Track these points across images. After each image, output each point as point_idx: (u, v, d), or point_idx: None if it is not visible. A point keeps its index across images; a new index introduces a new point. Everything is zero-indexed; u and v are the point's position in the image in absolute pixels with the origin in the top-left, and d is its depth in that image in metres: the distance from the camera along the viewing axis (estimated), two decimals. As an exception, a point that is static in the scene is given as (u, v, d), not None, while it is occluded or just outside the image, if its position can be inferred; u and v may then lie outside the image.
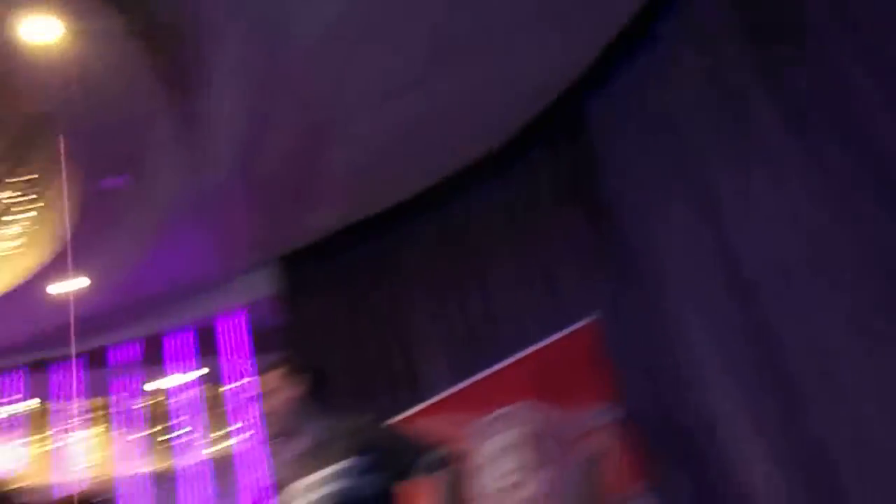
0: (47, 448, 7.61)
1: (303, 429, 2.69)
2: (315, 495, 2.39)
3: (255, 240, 5.94)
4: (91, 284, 5.91)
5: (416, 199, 5.66)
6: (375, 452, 2.42)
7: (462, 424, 4.21)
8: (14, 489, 2.66)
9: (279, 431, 2.75)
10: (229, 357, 6.43)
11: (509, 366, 4.48)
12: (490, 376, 4.53)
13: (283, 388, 2.74)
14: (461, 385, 4.66)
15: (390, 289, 5.73)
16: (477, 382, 4.59)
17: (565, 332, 4.38)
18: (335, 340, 5.66)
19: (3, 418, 7.26)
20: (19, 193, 4.33)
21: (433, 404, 4.63)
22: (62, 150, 4.29)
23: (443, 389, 4.83)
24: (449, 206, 5.55)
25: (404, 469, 2.41)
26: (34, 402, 7.44)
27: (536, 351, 4.41)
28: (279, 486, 2.65)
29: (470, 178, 5.43)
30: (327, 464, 2.42)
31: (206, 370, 6.91)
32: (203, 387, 7.45)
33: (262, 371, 2.87)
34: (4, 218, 4.42)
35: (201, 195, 5.20)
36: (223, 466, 7.77)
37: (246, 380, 6.40)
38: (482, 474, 4.15)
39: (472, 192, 5.44)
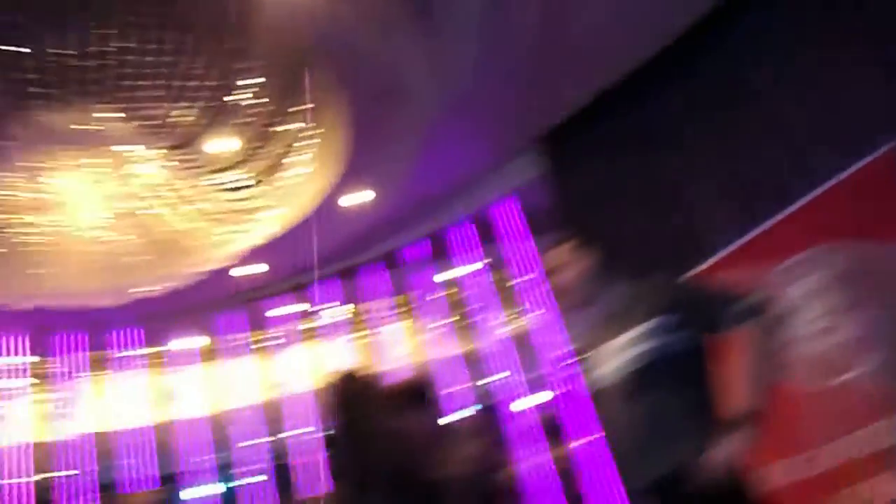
0: (368, 343, 8.59)
1: (598, 297, 2.75)
2: (624, 357, 2.46)
3: (515, 125, 6.03)
4: (376, 195, 6.46)
5: (670, 51, 5.33)
6: (682, 309, 2.41)
7: (760, 274, 4.04)
8: (364, 377, 3.04)
9: (574, 302, 2.84)
10: (509, 241, 6.70)
11: (803, 207, 4.17)
12: (783, 221, 4.26)
13: (573, 261, 2.80)
14: (752, 234, 4.44)
15: (658, 149, 5.52)
16: (768, 230, 4.35)
17: (865, 161, 3.96)
18: (610, 209, 5.63)
19: (327, 323, 8.29)
20: (305, 123, 4.78)
21: (726, 257, 4.48)
22: (307, 81, 4.64)
23: (730, 243, 4.65)
24: (710, 50, 5.14)
25: (714, 322, 2.38)
26: (348, 306, 8.38)
27: (834, 186, 4.05)
28: (581, 354, 2.76)
29: (729, 15, 4.98)
30: (631, 326, 2.47)
31: (490, 257, 7.27)
32: (490, 272, 7.87)
33: (549, 248, 2.95)
34: (296, 145, 4.91)
35: (459, 95, 5.38)
36: (522, 342, 8.25)
37: (529, 260, 6.64)
38: (789, 322, 3.97)
39: (734, 31, 4.98)
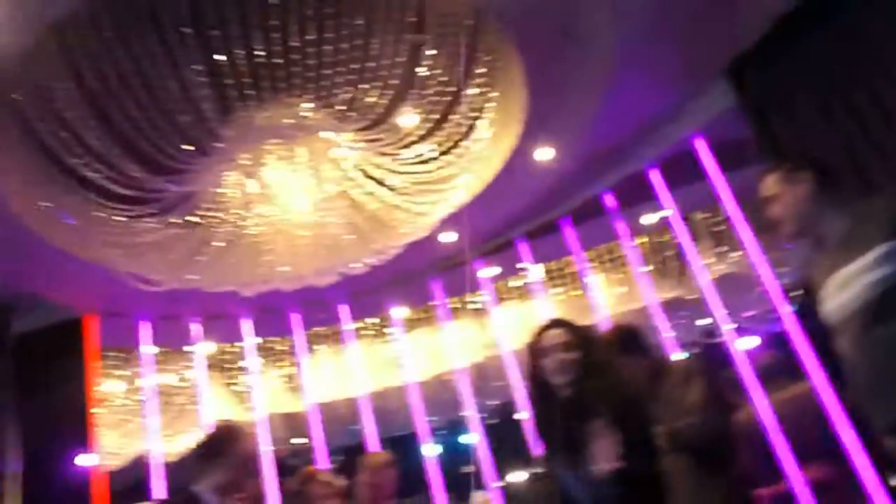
0: (574, 297, 8.59)
1: (819, 225, 2.57)
2: (857, 287, 2.28)
3: (697, 58, 5.73)
4: (563, 147, 6.39)
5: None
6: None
7: None
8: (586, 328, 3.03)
9: (793, 233, 2.68)
10: (707, 179, 6.38)
11: None
12: None
13: (785, 191, 2.64)
14: None
15: (858, 56, 5.02)
16: None
17: None
18: (818, 130, 5.20)
19: (531, 280, 8.37)
20: (483, 87, 4.84)
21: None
22: (481, 43, 4.65)
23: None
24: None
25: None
26: (550, 262, 8.41)
27: None
28: (805, 287, 2.60)
29: None
30: (862, 252, 2.28)
31: (688, 197, 6.99)
32: (690, 212, 7.57)
33: (758, 178, 2.80)
34: (477, 109, 4.97)
35: (636, 33, 5.19)
36: (732, 282, 7.89)
37: (731, 196, 6.29)
38: None
39: None
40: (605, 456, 2.52)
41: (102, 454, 7.09)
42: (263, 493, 7.16)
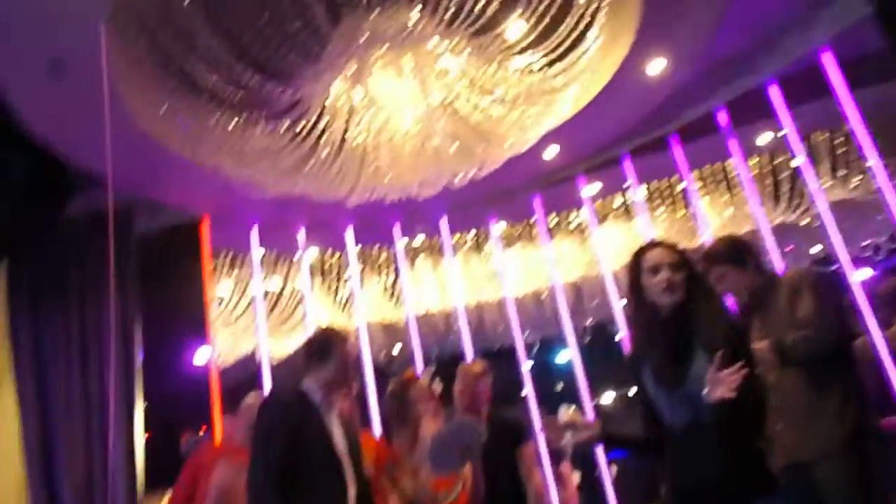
0: (680, 217, 8.35)
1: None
2: None
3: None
4: (676, 61, 6.09)
5: None
6: None
7: None
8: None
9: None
10: (831, 96, 5.97)
11: None
12: None
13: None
14: None
15: None
16: None
17: None
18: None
19: (635, 199, 8.15)
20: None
21: None
22: None
23: None
24: None
25: None
26: (656, 181, 8.16)
27: None
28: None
29: None
30: None
31: (809, 115, 6.59)
32: (809, 133, 7.15)
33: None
34: (588, 18, 4.79)
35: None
36: (854, 206, 7.48)
37: (856, 115, 5.88)
38: None
39: None
40: (723, 384, 2.44)
41: (216, 352, 7.46)
42: (365, 394, 7.46)
